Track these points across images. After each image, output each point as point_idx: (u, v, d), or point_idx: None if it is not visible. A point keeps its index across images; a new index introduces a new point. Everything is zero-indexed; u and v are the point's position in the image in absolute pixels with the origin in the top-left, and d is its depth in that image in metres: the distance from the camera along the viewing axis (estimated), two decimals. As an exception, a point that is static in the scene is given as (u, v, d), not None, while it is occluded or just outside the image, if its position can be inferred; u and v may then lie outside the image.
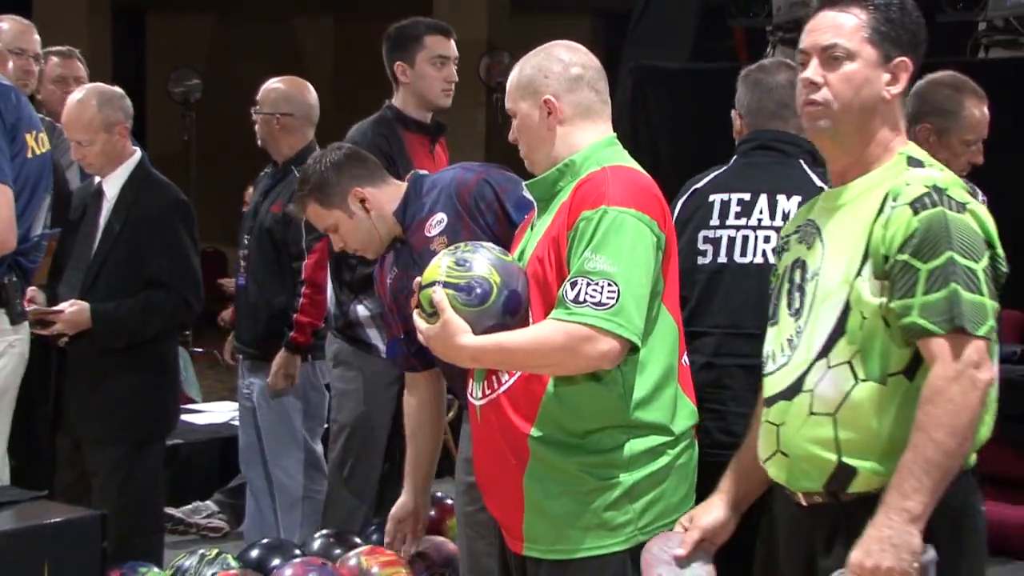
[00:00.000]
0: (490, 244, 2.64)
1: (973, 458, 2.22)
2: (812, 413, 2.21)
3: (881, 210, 2.18)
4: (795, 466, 2.25)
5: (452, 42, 4.08)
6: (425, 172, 3.29)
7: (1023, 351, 4.73)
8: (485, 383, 2.59)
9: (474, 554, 3.10)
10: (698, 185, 3.16)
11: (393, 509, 3.32)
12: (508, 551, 2.66)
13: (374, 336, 4.00)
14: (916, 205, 2.14)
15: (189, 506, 5.13)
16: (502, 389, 2.55)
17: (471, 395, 2.64)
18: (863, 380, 2.17)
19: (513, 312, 2.52)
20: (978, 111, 3.42)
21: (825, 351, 2.21)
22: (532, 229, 2.66)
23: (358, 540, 3.49)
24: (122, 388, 3.81)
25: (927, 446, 2.07)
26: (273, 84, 4.46)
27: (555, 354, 2.43)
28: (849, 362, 2.18)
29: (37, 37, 4.34)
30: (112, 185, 3.88)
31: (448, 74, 4.05)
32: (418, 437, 3.25)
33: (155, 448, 3.93)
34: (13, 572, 3.02)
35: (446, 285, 2.49)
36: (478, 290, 2.49)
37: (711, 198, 3.07)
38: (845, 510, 2.19)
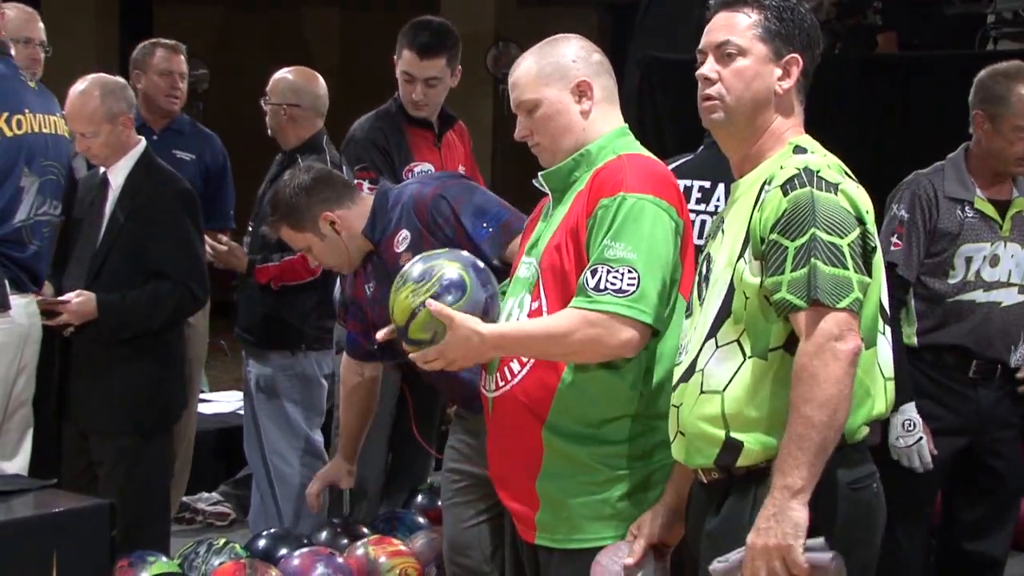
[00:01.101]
0: (417, 256, 2.66)
1: (864, 432, 2.27)
2: (703, 392, 2.28)
3: (759, 195, 2.27)
4: (690, 444, 2.32)
5: (429, 63, 3.95)
6: (391, 186, 3.35)
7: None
8: (498, 375, 2.59)
9: (454, 538, 3.13)
10: (671, 166, 3.24)
11: (325, 474, 3.48)
12: (519, 539, 2.67)
13: None
14: (786, 186, 2.23)
15: (194, 496, 5.14)
16: (516, 380, 2.55)
17: (484, 387, 2.65)
18: (750, 357, 2.25)
19: (487, 281, 2.56)
20: None
21: (713, 331, 2.29)
22: (545, 219, 2.66)
23: (365, 530, 3.50)
24: (127, 378, 3.81)
25: (798, 422, 2.15)
26: (282, 74, 4.47)
27: (577, 342, 2.44)
28: (737, 341, 2.26)
29: (41, 25, 4.35)
30: (117, 175, 3.88)
31: (412, 91, 3.98)
32: (352, 412, 3.42)
33: (161, 438, 3.94)
34: (23, 560, 3.04)
35: (425, 304, 2.49)
36: (454, 286, 2.51)
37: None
38: (736, 483, 2.26)
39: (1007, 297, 3.52)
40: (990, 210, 3.51)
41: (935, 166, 3.58)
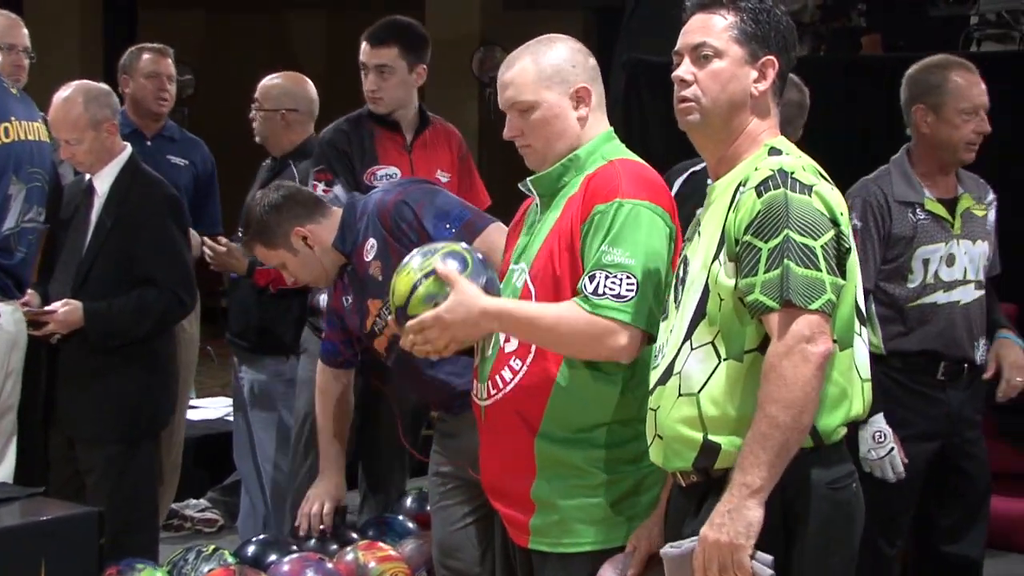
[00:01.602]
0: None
1: (841, 432, 2.28)
2: (680, 394, 2.29)
3: (734, 196, 2.28)
4: (668, 447, 2.32)
5: (379, 51, 3.97)
6: (359, 197, 3.39)
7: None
8: (490, 383, 2.59)
9: (443, 541, 3.14)
10: (696, 168, 3.24)
11: (319, 498, 3.42)
12: (511, 543, 2.67)
13: None
14: (761, 188, 2.24)
15: (182, 503, 5.13)
16: (508, 388, 2.56)
17: (476, 396, 2.65)
18: (725, 359, 2.25)
19: (488, 266, 2.57)
20: (962, 79, 3.46)
21: (689, 334, 2.29)
22: (531, 224, 2.65)
23: (355, 535, 3.50)
24: (115, 385, 3.81)
25: (762, 421, 2.16)
26: (273, 80, 4.46)
27: (575, 338, 2.45)
28: (712, 343, 2.27)
29: (26, 31, 4.35)
30: (102, 182, 3.87)
31: (367, 82, 3.99)
32: (331, 425, 3.42)
33: (149, 445, 3.93)
34: (10, 569, 3.02)
35: (428, 274, 2.50)
36: (456, 258, 2.53)
37: (710, 181, 3.16)
38: (714, 485, 2.26)
39: (965, 295, 3.52)
40: (940, 210, 3.51)
41: (880, 171, 3.57)
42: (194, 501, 5.15)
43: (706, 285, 2.28)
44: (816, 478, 2.24)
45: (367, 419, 3.88)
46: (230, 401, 4.96)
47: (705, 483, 2.29)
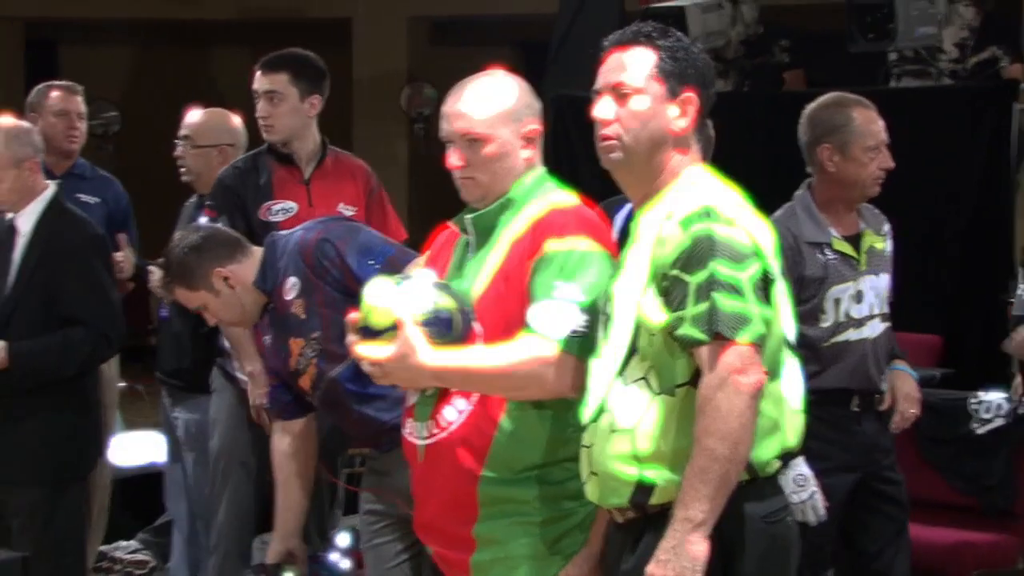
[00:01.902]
0: (422, 272, 2.60)
1: (776, 465, 2.31)
2: (614, 431, 2.29)
3: (659, 232, 2.30)
4: (604, 484, 2.33)
5: (269, 77, 3.96)
6: (279, 235, 3.35)
7: (942, 375, 4.81)
8: (432, 422, 2.56)
9: None
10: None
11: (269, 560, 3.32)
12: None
13: (236, 367, 3.97)
14: (686, 222, 2.26)
15: (111, 545, 5.04)
16: (452, 428, 2.53)
17: (411, 434, 2.61)
18: (658, 394, 2.27)
19: (470, 333, 2.51)
20: (863, 116, 3.52)
21: (621, 370, 2.31)
22: (459, 263, 2.63)
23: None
24: (41, 427, 3.75)
25: (701, 455, 2.18)
26: (203, 116, 4.41)
27: (522, 378, 2.44)
28: (644, 378, 2.28)
29: None
30: (26, 221, 3.83)
31: (258, 110, 3.97)
32: (291, 484, 3.31)
33: (77, 488, 3.87)
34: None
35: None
36: (442, 323, 2.47)
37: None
38: (651, 521, 2.27)
39: (873, 330, 3.57)
40: (848, 249, 3.55)
41: (785, 210, 3.59)
42: (124, 543, 5.06)
43: (636, 321, 2.29)
44: (751, 511, 2.25)
45: None
46: (160, 440, 4.89)
47: (642, 519, 2.29)
